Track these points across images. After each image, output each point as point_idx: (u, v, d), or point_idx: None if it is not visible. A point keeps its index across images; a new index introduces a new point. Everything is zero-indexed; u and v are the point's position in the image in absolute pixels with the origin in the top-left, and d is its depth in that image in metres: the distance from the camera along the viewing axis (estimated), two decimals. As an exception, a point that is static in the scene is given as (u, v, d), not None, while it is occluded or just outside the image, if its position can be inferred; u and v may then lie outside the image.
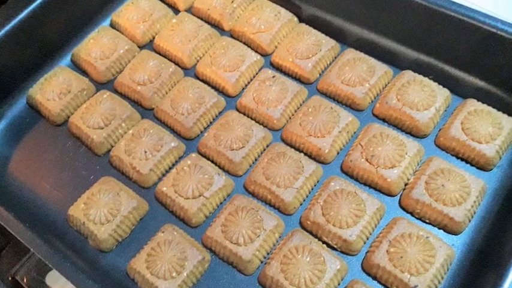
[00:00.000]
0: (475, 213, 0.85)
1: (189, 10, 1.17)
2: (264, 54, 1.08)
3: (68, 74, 1.07)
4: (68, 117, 1.04)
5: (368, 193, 0.87)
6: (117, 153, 0.96)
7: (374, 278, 0.82)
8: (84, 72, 1.11)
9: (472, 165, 0.90)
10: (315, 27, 1.07)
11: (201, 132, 1.00)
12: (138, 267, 0.84)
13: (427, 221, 0.86)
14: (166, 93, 1.05)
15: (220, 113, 1.02)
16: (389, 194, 0.89)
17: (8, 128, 1.06)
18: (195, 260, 0.83)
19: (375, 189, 0.90)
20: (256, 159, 0.95)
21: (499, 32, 0.91)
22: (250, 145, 0.94)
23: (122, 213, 0.89)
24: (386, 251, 0.81)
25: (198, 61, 1.09)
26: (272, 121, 0.98)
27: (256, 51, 1.07)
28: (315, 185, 0.91)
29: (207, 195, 0.89)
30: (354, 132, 0.96)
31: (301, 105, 1.00)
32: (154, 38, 1.13)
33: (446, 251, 0.80)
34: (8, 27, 1.04)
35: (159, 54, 1.10)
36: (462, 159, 0.91)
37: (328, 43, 1.04)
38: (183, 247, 0.84)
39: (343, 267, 0.81)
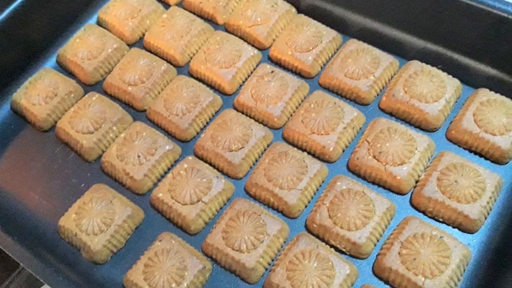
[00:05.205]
0: (491, 209, 0.85)
1: (180, 4, 1.17)
2: (262, 48, 1.08)
3: (54, 77, 1.07)
4: (56, 122, 1.04)
5: (377, 192, 0.87)
6: (109, 159, 0.96)
7: (386, 282, 0.82)
8: (70, 74, 1.11)
9: (486, 158, 0.90)
10: (314, 18, 1.07)
11: (197, 133, 1.00)
12: (135, 279, 0.84)
13: (441, 219, 0.86)
14: (159, 93, 1.05)
15: (217, 112, 1.02)
16: (400, 193, 0.89)
17: (-8, 135, 1.07)
18: (195, 269, 0.83)
19: (384, 187, 0.90)
20: (256, 160, 0.95)
21: (510, 17, 0.91)
22: (250, 145, 0.94)
23: (116, 222, 0.89)
24: (398, 253, 0.81)
25: (191, 58, 1.09)
26: (272, 119, 0.98)
27: (253, 46, 1.07)
28: (320, 186, 0.92)
29: (206, 200, 0.89)
30: (360, 128, 0.96)
31: (302, 101, 1.00)
32: (144, 35, 1.14)
33: (461, 251, 0.80)
34: (-12, 29, 1.04)
35: (150, 52, 1.10)
36: (475, 153, 0.91)
37: (329, 34, 1.04)
38: (182, 256, 0.84)
39: (352, 272, 0.81)
